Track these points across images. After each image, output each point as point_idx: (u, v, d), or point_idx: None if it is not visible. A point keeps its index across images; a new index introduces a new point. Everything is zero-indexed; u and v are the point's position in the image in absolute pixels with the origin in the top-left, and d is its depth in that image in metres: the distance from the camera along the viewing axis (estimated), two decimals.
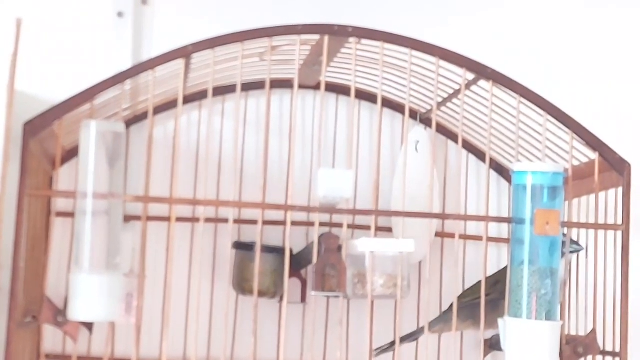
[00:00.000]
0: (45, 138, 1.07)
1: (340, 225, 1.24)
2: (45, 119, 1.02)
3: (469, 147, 1.35)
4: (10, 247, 1.02)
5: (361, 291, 1.09)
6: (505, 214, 1.34)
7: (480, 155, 1.35)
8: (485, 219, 1.09)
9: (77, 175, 1.17)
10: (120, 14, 1.30)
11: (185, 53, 1.05)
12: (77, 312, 0.98)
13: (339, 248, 1.10)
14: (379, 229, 1.09)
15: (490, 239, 1.14)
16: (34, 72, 1.25)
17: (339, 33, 1.08)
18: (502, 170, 1.35)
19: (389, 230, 1.29)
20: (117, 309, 1.00)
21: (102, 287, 0.98)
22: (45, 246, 1.17)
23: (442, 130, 1.33)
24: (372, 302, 1.08)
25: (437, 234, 1.31)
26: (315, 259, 1.07)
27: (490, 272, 1.22)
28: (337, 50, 1.14)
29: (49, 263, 1.08)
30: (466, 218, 1.13)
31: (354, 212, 1.08)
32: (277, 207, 1.07)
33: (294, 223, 1.07)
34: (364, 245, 1.07)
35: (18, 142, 1.03)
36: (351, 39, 1.09)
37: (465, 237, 1.32)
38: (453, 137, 1.35)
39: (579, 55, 1.40)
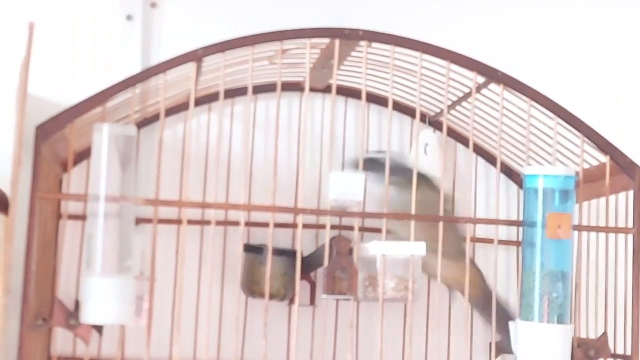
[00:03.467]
0: (56, 141, 1.07)
1: (349, 228, 1.25)
2: (56, 122, 1.02)
3: (478, 149, 1.35)
4: (21, 249, 1.02)
5: (372, 294, 1.10)
6: (514, 217, 1.34)
7: (488, 157, 1.35)
8: (496, 222, 1.09)
9: (88, 177, 1.18)
10: (129, 17, 1.30)
11: (195, 57, 1.05)
12: (90, 315, 0.98)
13: (350, 251, 1.10)
14: (387, 231, 1.09)
15: (499, 242, 1.14)
16: (43, 74, 1.25)
17: (349, 36, 1.08)
18: (510, 173, 1.35)
19: None
20: (128, 311, 1.00)
21: (113, 290, 0.98)
22: (56, 248, 1.18)
23: (450, 132, 1.34)
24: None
25: None
26: (326, 262, 1.07)
27: (499, 275, 1.21)
28: (347, 54, 1.14)
29: (60, 265, 1.08)
30: (476, 221, 1.13)
31: (364, 214, 1.08)
32: (288, 210, 1.07)
33: (303, 225, 1.07)
34: (375, 248, 1.07)
35: (29, 145, 1.03)
36: (362, 42, 1.09)
37: (474, 239, 1.32)
38: (461, 139, 1.35)
39: (590, 58, 1.40)
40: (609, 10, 1.41)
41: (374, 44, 1.10)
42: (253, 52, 1.07)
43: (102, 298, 0.98)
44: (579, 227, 1.11)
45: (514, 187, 1.36)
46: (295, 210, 1.06)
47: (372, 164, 1.13)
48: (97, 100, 1.04)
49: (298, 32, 1.07)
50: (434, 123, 1.33)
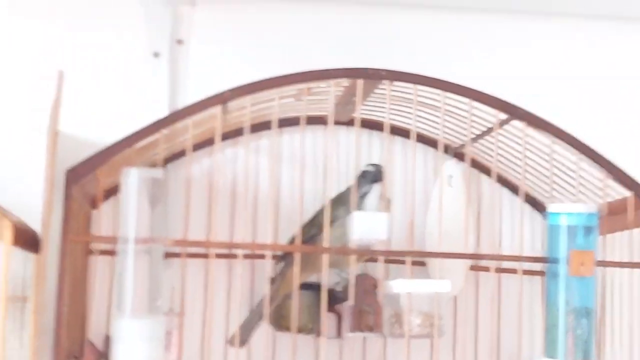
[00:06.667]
0: (86, 181, 1.09)
1: (373, 260, 1.26)
2: (86, 166, 1.04)
3: (502, 180, 1.35)
4: (52, 288, 1.03)
5: (398, 330, 1.10)
6: (538, 244, 1.34)
7: (513, 188, 1.36)
8: (520, 258, 1.10)
9: (117, 214, 1.19)
10: (156, 54, 1.32)
11: (222, 99, 1.07)
12: (120, 356, 0.99)
13: (375, 287, 1.11)
14: (412, 263, 1.10)
15: (524, 272, 1.15)
16: (72, 111, 1.27)
17: (372, 76, 1.09)
18: (534, 202, 1.36)
19: (422, 264, 1.29)
20: (158, 351, 1.01)
21: (143, 332, 0.99)
22: (86, 286, 1.20)
23: (474, 164, 1.34)
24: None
25: (472, 268, 1.32)
26: (351, 301, 1.08)
27: (525, 308, 1.22)
28: (370, 91, 1.15)
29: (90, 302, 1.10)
30: (501, 258, 1.13)
31: (389, 253, 1.09)
32: (314, 249, 1.08)
33: None
34: (400, 286, 1.08)
35: (59, 183, 1.05)
36: (384, 81, 1.10)
37: (499, 270, 1.32)
38: (485, 170, 1.36)
39: (612, 92, 1.40)
40: (632, 46, 1.42)
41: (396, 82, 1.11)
42: (279, 91, 1.09)
43: (132, 340, 0.99)
44: (603, 263, 1.11)
45: (538, 216, 1.36)
46: (321, 250, 1.07)
47: None
48: (125, 144, 1.06)
49: (322, 73, 1.09)
50: (458, 154, 1.34)
